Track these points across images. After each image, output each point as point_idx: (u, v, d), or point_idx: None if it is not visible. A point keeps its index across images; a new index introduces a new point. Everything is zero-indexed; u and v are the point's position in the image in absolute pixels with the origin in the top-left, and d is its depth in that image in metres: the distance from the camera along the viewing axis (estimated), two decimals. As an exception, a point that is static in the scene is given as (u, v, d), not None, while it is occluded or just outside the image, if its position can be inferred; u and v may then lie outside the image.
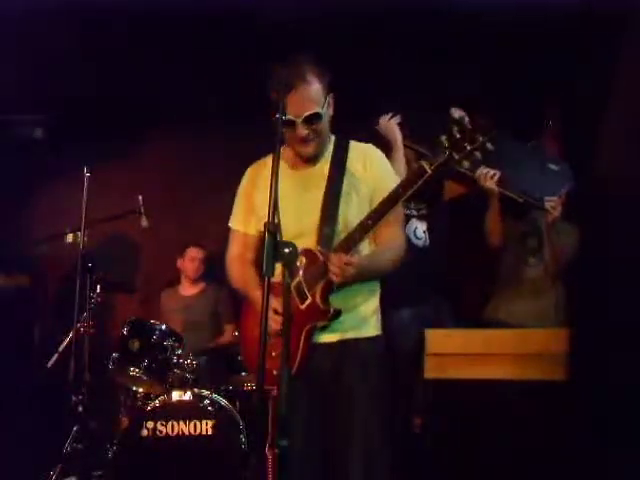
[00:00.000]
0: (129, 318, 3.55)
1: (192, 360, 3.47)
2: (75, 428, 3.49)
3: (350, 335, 2.19)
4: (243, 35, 3.59)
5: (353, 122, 2.67)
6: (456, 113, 2.92)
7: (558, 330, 2.76)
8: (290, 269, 1.86)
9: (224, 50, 3.73)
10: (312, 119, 2.10)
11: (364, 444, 2.13)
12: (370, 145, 2.31)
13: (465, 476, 2.64)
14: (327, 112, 2.17)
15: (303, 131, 2.11)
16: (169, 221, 4.50)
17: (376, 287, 2.31)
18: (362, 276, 2.12)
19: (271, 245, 1.80)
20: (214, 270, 4.45)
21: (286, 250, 1.82)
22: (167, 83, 4.17)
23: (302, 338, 2.09)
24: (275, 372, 2.04)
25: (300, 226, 2.15)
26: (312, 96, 2.10)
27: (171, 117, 4.47)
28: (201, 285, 4.37)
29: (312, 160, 2.23)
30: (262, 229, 2.03)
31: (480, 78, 3.67)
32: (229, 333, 4.17)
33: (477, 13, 3.08)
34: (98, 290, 3.57)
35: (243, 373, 3.58)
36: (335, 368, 2.17)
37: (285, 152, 2.23)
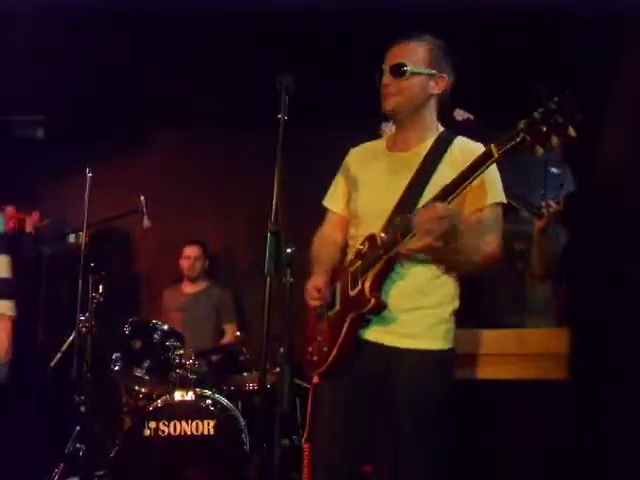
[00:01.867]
0: (131, 318, 3.56)
1: (194, 360, 3.46)
2: (77, 428, 3.50)
3: (406, 342, 1.95)
4: (242, 33, 3.58)
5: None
6: (459, 115, 2.92)
7: (558, 330, 2.76)
8: (292, 269, 1.87)
9: (225, 48, 3.72)
10: (396, 70, 2.01)
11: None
12: (480, 145, 2.02)
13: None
14: (420, 76, 2.02)
15: (385, 79, 2.03)
16: (170, 221, 4.51)
17: (453, 290, 2.04)
18: (449, 250, 1.85)
19: (273, 245, 1.81)
20: (216, 269, 4.50)
21: (288, 250, 1.83)
22: (168, 82, 4.17)
23: (344, 327, 1.94)
24: (315, 358, 2.03)
25: (378, 208, 2.00)
26: (406, 51, 2.03)
27: (171, 117, 4.48)
28: (204, 284, 4.37)
29: (393, 117, 2.11)
30: (355, 211, 2.06)
31: (480, 77, 3.67)
32: (230, 333, 4.18)
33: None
34: (100, 290, 3.57)
35: (245, 373, 3.60)
36: (385, 374, 1.95)
37: (386, 133, 2.20)
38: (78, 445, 3.47)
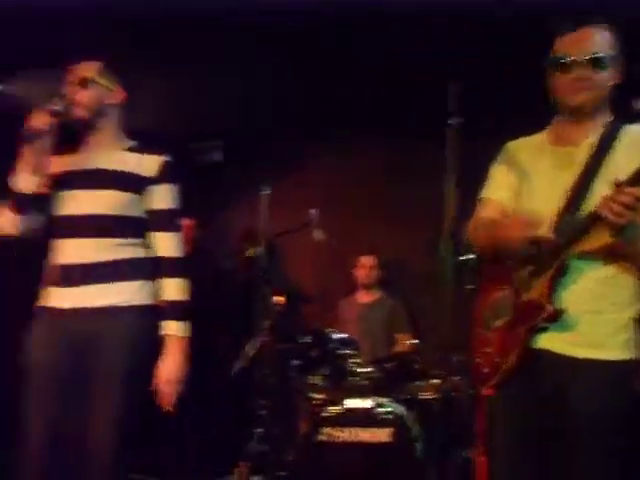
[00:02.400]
0: (308, 327, 3.70)
1: (369, 368, 3.52)
2: (259, 430, 3.69)
3: (583, 351, 1.81)
4: (408, 37, 3.57)
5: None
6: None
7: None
8: (475, 276, 1.85)
9: (386, 54, 3.73)
10: (598, 62, 1.83)
11: None
12: None
13: None
14: (612, 68, 1.87)
15: (582, 72, 1.84)
16: (340, 233, 4.58)
17: (633, 293, 1.87)
18: (632, 248, 1.73)
19: (451, 252, 1.81)
20: (388, 279, 4.55)
21: (470, 256, 1.83)
22: (329, 97, 4.31)
23: (517, 337, 1.84)
24: (486, 370, 1.95)
25: (546, 207, 1.87)
26: (598, 39, 1.85)
27: (333, 129, 4.60)
28: (377, 294, 4.45)
29: (577, 113, 1.92)
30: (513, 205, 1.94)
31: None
32: (404, 342, 4.19)
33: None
34: (278, 300, 3.75)
35: (419, 381, 3.58)
36: (559, 385, 1.82)
37: (553, 127, 2.02)
38: (260, 446, 3.65)
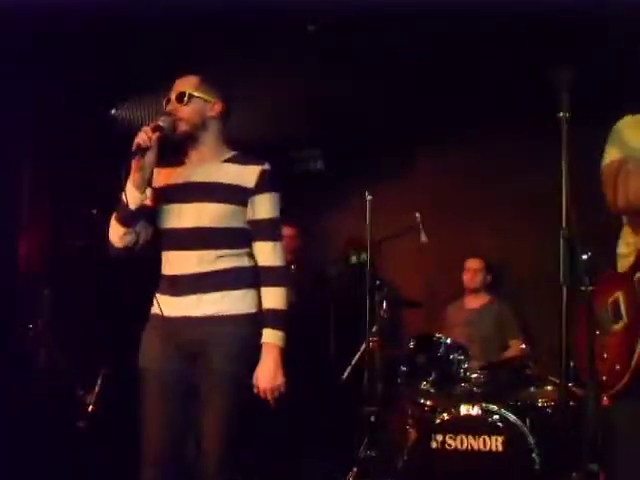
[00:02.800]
0: (415, 333, 3.67)
1: (479, 374, 3.44)
2: (368, 436, 3.69)
3: None
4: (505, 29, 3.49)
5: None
6: None
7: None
8: (590, 276, 1.76)
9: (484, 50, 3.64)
10: None
11: None
12: None
13: None
14: None
15: None
16: (446, 236, 4.55)
17: None
18: None
19: (567, 252, 1.73)
20: (497, 282, 4.44)
21: (584, 257, 1.74)
22: (430, 101, 4.26)
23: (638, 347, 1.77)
24: (605, 378, 1.87)
25: None
26: None
27: (444, 135, 4.55)
28: (486, 298, 4.35)
29: None
30: None
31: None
32: (515, 347, 4.05)
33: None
34: (385, 306, 3.75)
35: (532, 388, 3.45)
36: None
37: None
38: (369, 452, 3.66)
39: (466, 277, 4.36)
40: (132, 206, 2.12)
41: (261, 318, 2.23)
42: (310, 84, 4.05)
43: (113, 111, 4.07)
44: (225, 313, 2.19)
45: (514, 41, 3.37)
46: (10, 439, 3.27)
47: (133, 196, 2.12)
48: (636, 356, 1.76)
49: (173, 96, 2.23)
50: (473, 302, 4.36)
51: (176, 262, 2.22)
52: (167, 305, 2.21)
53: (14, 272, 3.89)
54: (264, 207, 2.25)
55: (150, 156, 2.11)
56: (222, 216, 2.20)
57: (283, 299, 2.25)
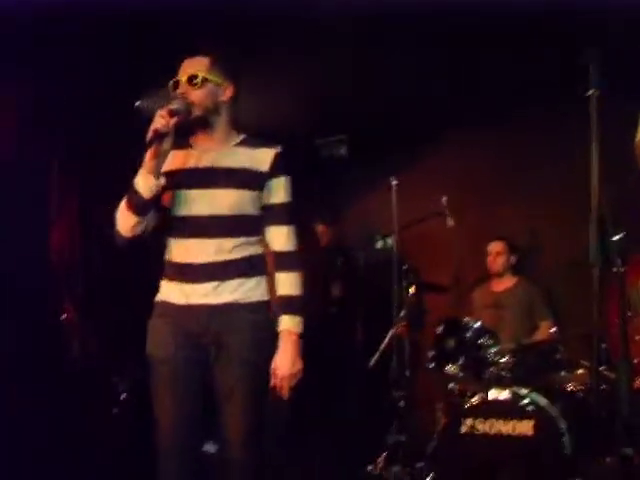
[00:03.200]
0: (444, 317, 3.65)
1: (508, 358, 3.41)
2: (397, 421, 3.71)
3: None
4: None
5: None
6: None
7: None
8: (622, 257, 1.74)
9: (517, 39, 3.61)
10: None
11: None
12: None
13: None
14: None
15: None
16: (474, 219, 4.51)
17: None
18: None
19: (596, 232, 1.71)
20: (524, 265, 4.38)
21: (615, 238, 1.72)
22: (468, 83, 4.21)
23: None
24: (637, 360, 1.90)
25: None
26: None
27: (471, 118, 4.51)
28: (513, 280, 4.28)
29: None
30: None
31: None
32: (545, 330, 3.99)
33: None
34: (412, 291, 3.74)
35: (563, 372, 3.42)
36: None
37: None
38: (398, 437, 3.67)
39: (489, 261, 4.29)
40: (147, 194, 2.04)
41: (273, 305, 2.21)
42: (335, 69, 4.03)
43: (138, 103, 4.10)
44: (242, 301, 2.16)
45: (544, 20, 3.31)
46: (46, 427, 3.35)
47: (149, 184, 2.04)
48: None
49: (183, 78, 2.13)
50: (499, 285, 4.30)
51: (192, 250, 2.14)
52: (179, 293, 2.15)
53: (46, 263, 3.95)
54: (280, 191, 2.21)
55: (168, 142, 2.04)
56: (239, 203, 2.15)
57: (299, 284, 2.21)
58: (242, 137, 2.25)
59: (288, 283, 2.20)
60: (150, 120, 2.05)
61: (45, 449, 3.28)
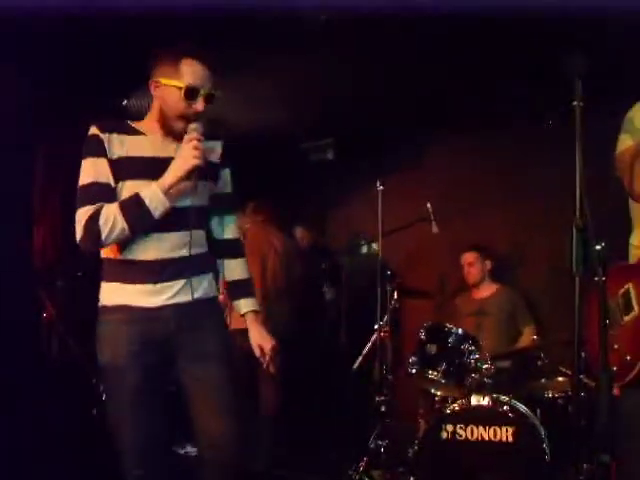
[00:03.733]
0: (426, 323, 3.65)
1: (490, 365, 3.43)
2: (379, 426, 3.70)
3: None
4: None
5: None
6: None
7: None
8: (604, 267, 1.75)
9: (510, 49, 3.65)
10: None
11: None
12: None
13: None
14: None
15: None
16: (457, 226, 4.53)
17: None
18: None
19: (580, 242, 1.72)
20: (507, 272, 4.42)
21: (597, 247, 1.73)
22: (441, 91, 4.23)
23: None
24: (615, 368, 1.87)
25: None
26: None
27: (453, 125, 4.53)
28: (492, 287, 4.30)
29: None
30: None
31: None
32: (527, 337, 4.03)
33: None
34: (395, 297, 3.74)
35: (543, 379, 3.45)
36: None
37: None
38: (380, 442, 3.67)
39: (464, 272, 4.32)
40: (158, 216, 1.97)
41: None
42: (322, 75, 4.04)
43: (125, 102, 4.10)
44: (206, 297, 2.15)
45: (528, 29, 3.34)
46: (24, 427, 3.32)
47: (163, 206, 1.97)
48: None
49: (204, 91, 2.02)
50: (479, 293, 4.32)
51: (161, 245, 2.05)
52: (146, 294, 2.05)
53: (28, 264, 3.92)
54: (228, 182, 2.26)
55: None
56: (201, 193, 2.09)
57: (247, 269, 2.32)
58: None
59: (240, 268, 2.30)
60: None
61: (24, 449, 3.24)
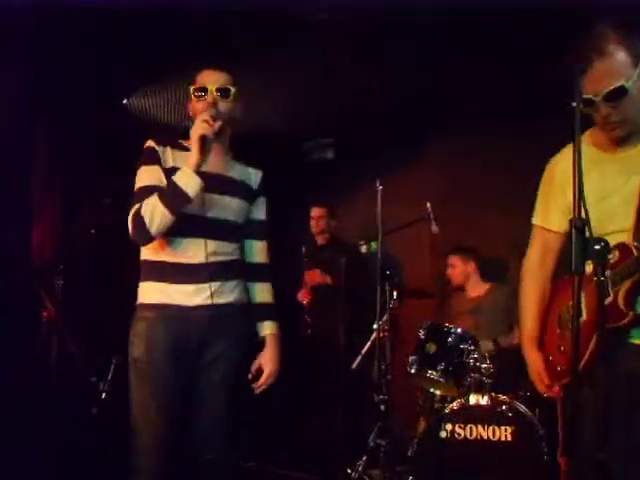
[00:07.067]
0: (425, 322, 3.67)
1: (489, 364, 3.44)
2: (378, 425, 3.71)
3: None
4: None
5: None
6: None
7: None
8: (602, 267, 1.76)
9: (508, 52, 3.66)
10: (613, 96, 1.82)
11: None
12: None
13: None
14: (637, 86, 1.83)
15: (604, 111, 1.85)
16: (457, 225, 4.53)
17: None
18: None
19: (580, 242, 1.72)
20: (505, 272, 4.44)
21: (596, 247, 1.73)
22: (440, 92, 4.25)
23: (595, 338, 1.86)
24: (559, 368, 1.98)
25: (614, 217, 1.92)
26: (613, 69, 1.82)
27: (453, 124, 4.54)
28: (485, 286, 4.30)
29: (624, 142, 1.94)
30: (566, 227, 1.97)
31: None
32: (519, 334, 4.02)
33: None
34: (395, 296, 3.75)
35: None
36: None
37: (594, 135, 2.00)
38: (379, 441, 3.68)
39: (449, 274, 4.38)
40: (193, 194, 2.11)
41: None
42: (323, 74, 4.05)
43: (125, 101, 4.09)
44: (243, 301, 2.34)
45: (530, 30, 3.35)
46: (24, 427, 3.32)
47: (195, 183, 2.11)
48: (590, 349, 1.86)
49: (212, 87, 2.21)
50: (472, 292, 4.32)
51: (199, 250, 2.22)
52: (183, 294, 2.21)
53: (27, 262, 3.92)
54: (262, 209, 2.44)
55: (211, 145, 2.15)
56: (241, 211, 2.32)
57: (273, 293, 2.46)
58: (231, 154, 2.40)
59: (267, 292, 2.44)
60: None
61: (22, 449, 3.25)
